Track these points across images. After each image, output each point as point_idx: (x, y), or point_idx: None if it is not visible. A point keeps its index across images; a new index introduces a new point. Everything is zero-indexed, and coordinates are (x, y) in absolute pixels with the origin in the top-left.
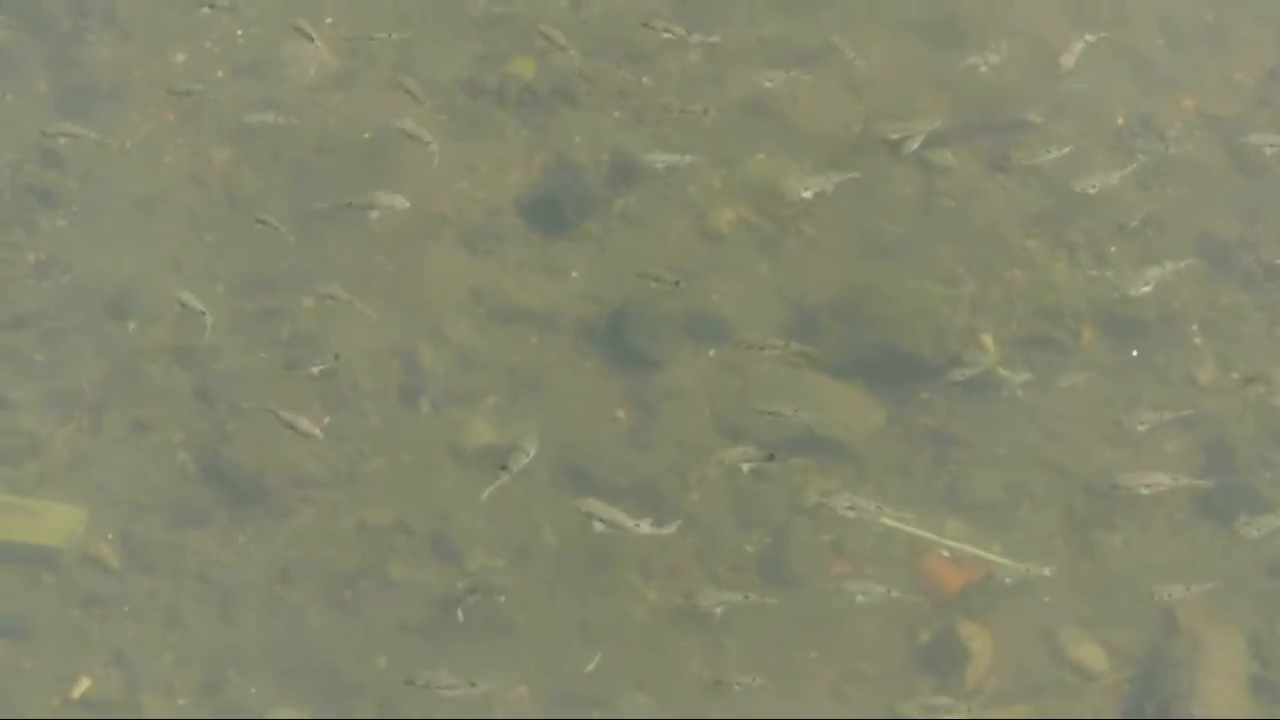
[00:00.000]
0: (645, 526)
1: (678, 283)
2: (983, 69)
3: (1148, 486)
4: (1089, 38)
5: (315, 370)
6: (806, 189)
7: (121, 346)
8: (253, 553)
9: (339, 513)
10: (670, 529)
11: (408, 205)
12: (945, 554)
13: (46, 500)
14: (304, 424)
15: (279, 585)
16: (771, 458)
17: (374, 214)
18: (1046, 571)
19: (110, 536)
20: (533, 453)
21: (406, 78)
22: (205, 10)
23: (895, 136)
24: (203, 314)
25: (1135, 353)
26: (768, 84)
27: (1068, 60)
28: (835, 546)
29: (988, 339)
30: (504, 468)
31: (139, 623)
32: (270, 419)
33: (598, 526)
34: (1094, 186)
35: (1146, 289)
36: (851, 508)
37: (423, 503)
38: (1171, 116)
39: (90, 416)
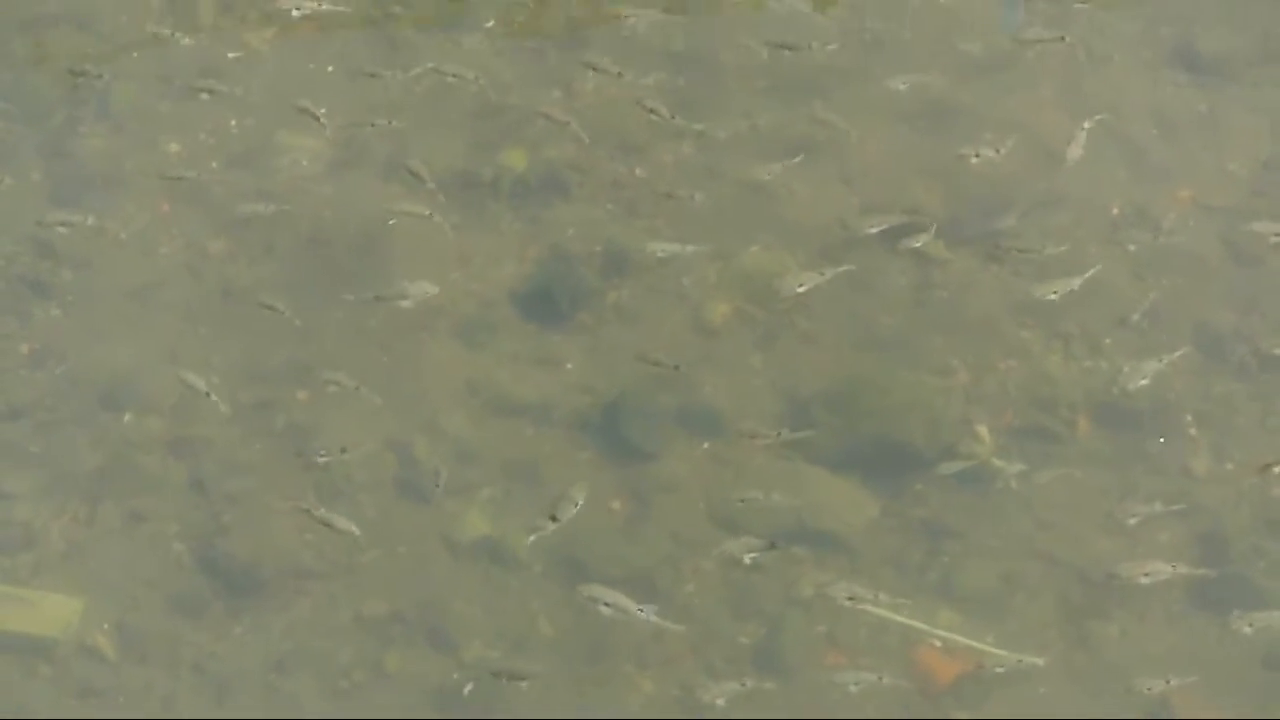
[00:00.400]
0: (650, 614)
1: (677, 367)
2: (974, 160)
3: (1146, 575)
4: (1087, 125)
5: (320, 459)
6: (801, 285)
7: (116, 437)
8: (248, 643)
9: (335, 604)
10: (678, 626)
11: (436, 290)
12: (938, 644)
13: (42, 590)
14: (340, 522)
15: (274, 675)
16: (773, 546)
17: (406, 303)
18: (1040, 662)
19: (106, 627)
20: (581, 502)
21: (413, 161)
22: (204, 96)
23: (873, 230)
24: (207, 394)
25: (1162, 440)
26: (766, 177)
27: (1074, 151)
28: (829, 638)
29: (983, 430)
30: (553, 518)
31: (135, 713)
32: (265, 511)
33: (605, 610)
34: (1055, 293)
35: (1144, 382)
36: (851, 598)
37: (418, 594)
38: (1167, 207)
39: (85, 507)
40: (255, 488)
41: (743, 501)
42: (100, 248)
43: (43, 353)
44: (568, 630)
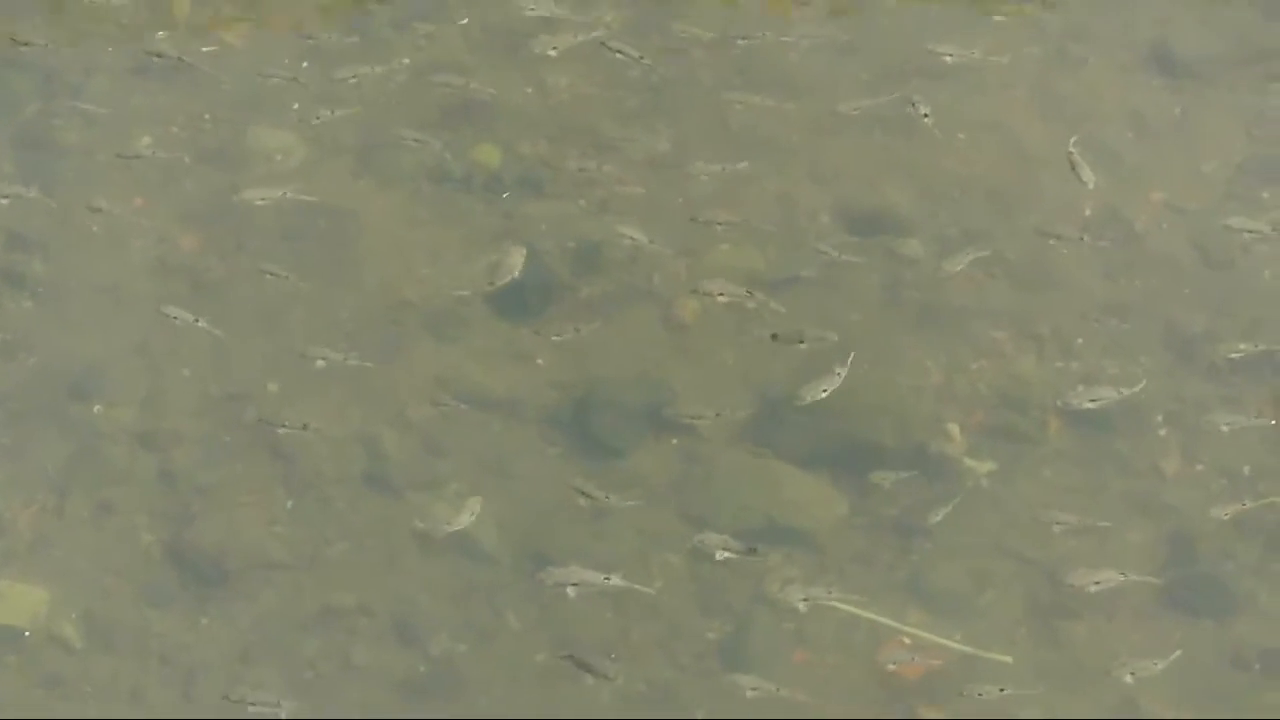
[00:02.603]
0: (616, 580)
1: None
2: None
3: (1097, 584)
4: (1073, 145)
5: (281, 431)
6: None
7: (85, 429)
8: (215, 634)
9: (302, 596)
10: (651, 589)
11: None
12: (907, 641)
13: (10, 580)
14: None
15: (240, 666)
16: (754, 551)
17: None
18: (1008, 659)
19: (74, 616)
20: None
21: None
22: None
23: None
24: (195, 321)
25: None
26: (742, 164)
27: (1087, 177)
28: (797, 635)
29: (954, 429)
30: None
31: (102, 703)
32: (234, 503)
33: (571, 592)
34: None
35: (1092, 405)
36: (806, 599)
37: (386, 587)
38: (1139, 209)
39: (54, 498)
40: (224, 480)
41: (824, 391)
42: (73, 240)
43: (13, 344)
44: (535, 624)
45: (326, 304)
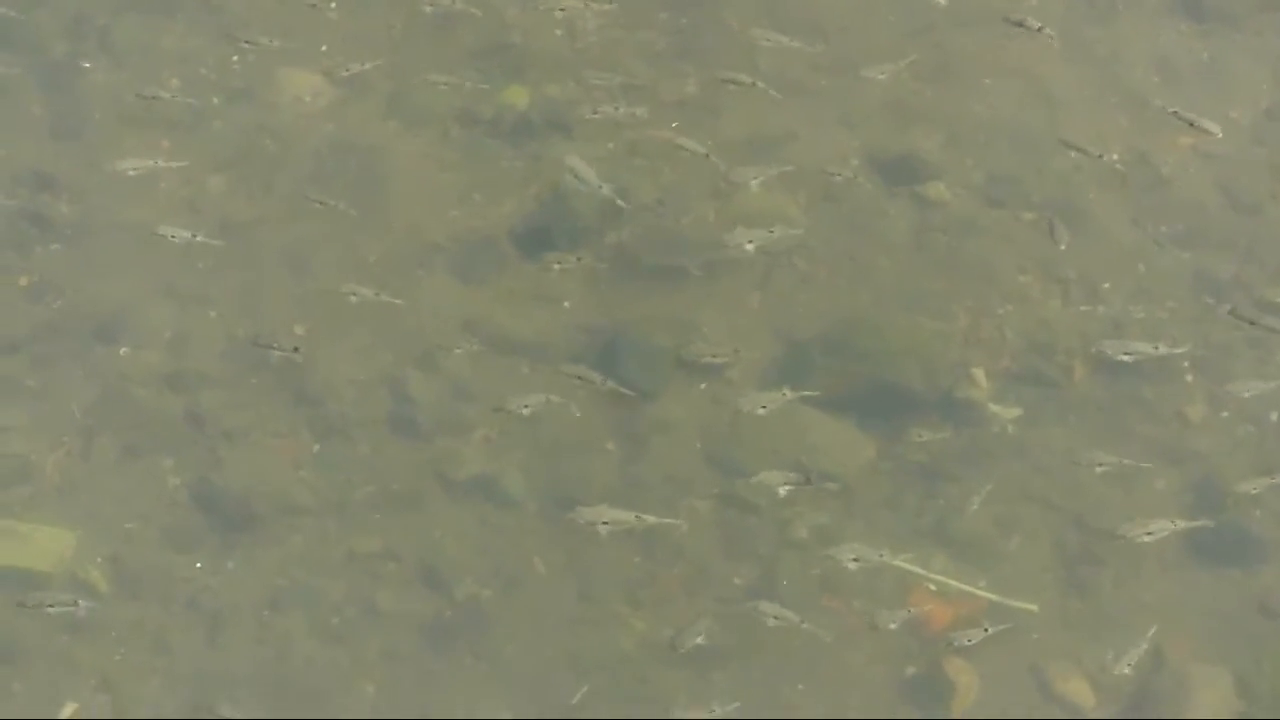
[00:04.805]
0: (646, 519)
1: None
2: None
3: (1149, 534)
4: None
5: (275, 353)
6: (750, 241)
7: (112, 372)
8: (241, 579)
9: (328, 541)
10: (680, 523)
11: None
12: (933, 588)
13: (36, 524)
14: None
15: (267, 612)
16: (809, 481)
17: None
18: (1034, 608)
19: (99, 560)
20: None
21: None
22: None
23: None
24: (193, 236)
25: None
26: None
27: (1060, 236)
28: (824, 581)
29: (979, 374)
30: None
31: (127, 648)
32: (260, 448)
33: (603, 530)
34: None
35: (1127, 358)
36: (856, 559)
37: (412, 531)
38: (1167, 154)
39: (81, 441)
40: (251, 423)
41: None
42: (99, 183)
43: (41, 286)
44: (561, 569)
45: (347, 250)
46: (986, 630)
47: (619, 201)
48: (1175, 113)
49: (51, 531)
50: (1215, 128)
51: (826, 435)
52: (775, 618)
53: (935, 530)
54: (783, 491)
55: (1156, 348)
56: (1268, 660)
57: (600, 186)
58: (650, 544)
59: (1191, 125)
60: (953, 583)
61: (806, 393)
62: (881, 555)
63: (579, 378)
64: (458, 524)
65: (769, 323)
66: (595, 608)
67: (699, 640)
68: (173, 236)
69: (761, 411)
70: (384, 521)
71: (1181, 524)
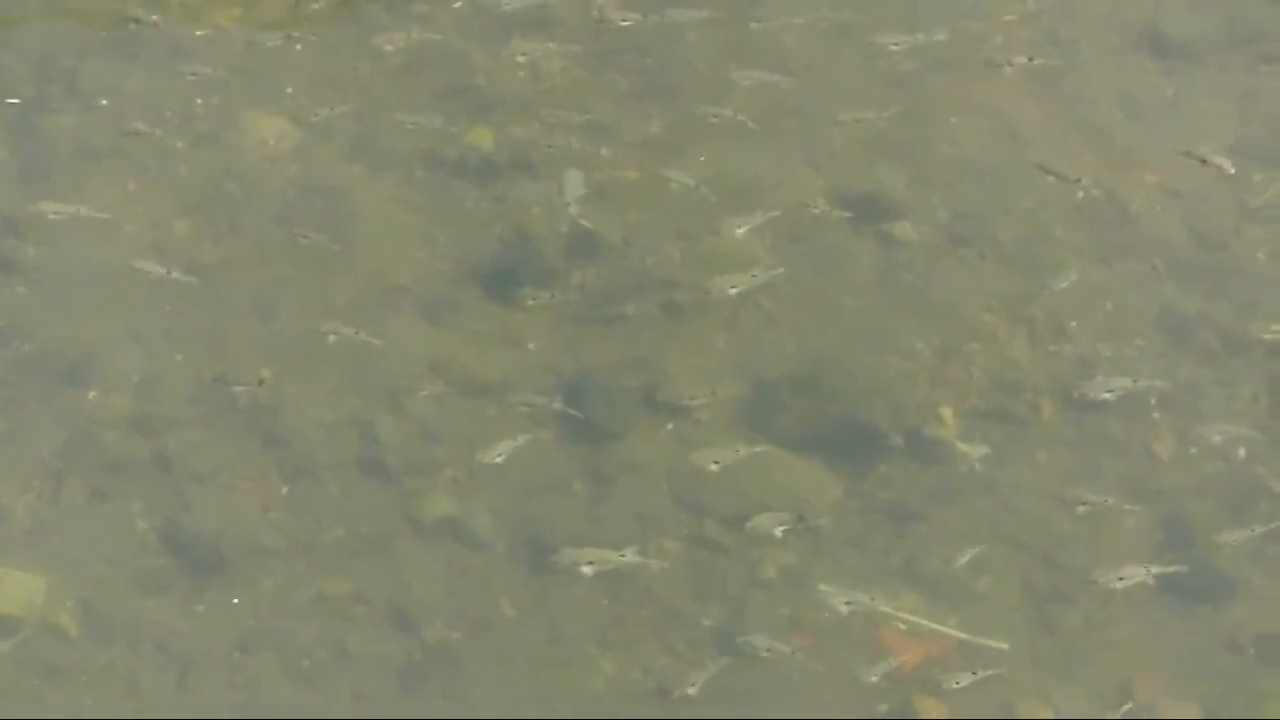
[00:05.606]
0: (632, 555)
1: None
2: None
3: (1121, 579)
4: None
5: (238, 390)
6: (733, 286)
7: (80, 415)
8: (211, 622)
9: (297, 583)
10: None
11: None
12: (902, 627)
13: (6, 568)
14: None
15: (237, 654)
16: (801, 520)
17: None
18: (1005, 646)
19: (69, 604)
20: None
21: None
22: (132, 26)
23: None
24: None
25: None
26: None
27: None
28: (793, 620)
29: (947, 412)
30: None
31: (97, 691)
32: (229, 489)
33: (587, 571)
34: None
35: (1108, 396)
36: (849, 603)
37: (381, 574)
38: (1133, 192)
39: (49, 485)
40: (220, 465)
41: (716, 464)
42: (66, 225)
43: (8, 330)
44: (529, 611)
45: (314, 290)
46: (975, 674)
47: (583, 221)
48: (1186, 152)
49: (21, 576)
50: (1227, 163)
51: (794, 475)
52: (768, 650)
53: (904, 569)
54: (779, 533)
55: (1135, 381)
56: (1237, 696)
57: (569, 204)
58: (618, 585)
59: (1204, 163)
60: (924, 622)
61: (759, 448)
62: (873, 600)
63: (525, 404)
64: (427, 566)
65: (736, 363)
66: (564, 649)
67: (690, 690)
68: (148, 271)
69: (714, 467)
70: (353, 564)
71: (1155, 569)
